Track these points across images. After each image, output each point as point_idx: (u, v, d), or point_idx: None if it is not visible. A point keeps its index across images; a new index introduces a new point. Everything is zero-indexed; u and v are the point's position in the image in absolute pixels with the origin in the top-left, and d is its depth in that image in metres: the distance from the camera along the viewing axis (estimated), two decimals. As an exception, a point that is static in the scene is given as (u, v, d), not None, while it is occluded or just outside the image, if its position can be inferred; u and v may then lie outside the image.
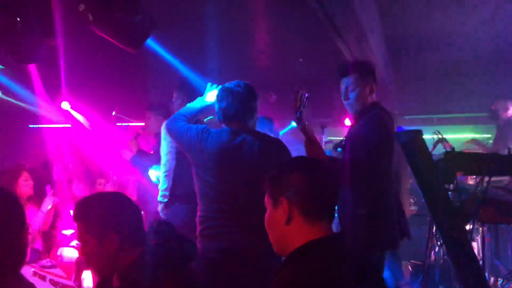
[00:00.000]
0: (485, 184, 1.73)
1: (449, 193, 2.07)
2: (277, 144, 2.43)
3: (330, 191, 1.37)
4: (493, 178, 2.07)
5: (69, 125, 6.82)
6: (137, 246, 1.59)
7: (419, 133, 2.25)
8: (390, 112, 2.70)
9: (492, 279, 3.51)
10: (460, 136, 6.24)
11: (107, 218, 1.59)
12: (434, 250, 3.42)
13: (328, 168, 1.54)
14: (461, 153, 1.83)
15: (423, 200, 3.91)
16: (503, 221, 1.83)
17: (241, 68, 5.79)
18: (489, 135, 5.80)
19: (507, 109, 4.54)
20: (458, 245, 2.00)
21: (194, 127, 2.46)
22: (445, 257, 3.39)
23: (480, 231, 3.27)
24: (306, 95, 2.33)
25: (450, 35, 5.08)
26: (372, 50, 4.25)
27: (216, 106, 2.44)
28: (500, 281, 3.53)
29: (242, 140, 2.33)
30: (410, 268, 4.02)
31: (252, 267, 2.21)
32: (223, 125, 2.43)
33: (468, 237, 2.02)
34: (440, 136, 3.87)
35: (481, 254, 3.24)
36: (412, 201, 4.96)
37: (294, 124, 2.51)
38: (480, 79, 5.92)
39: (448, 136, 4.35)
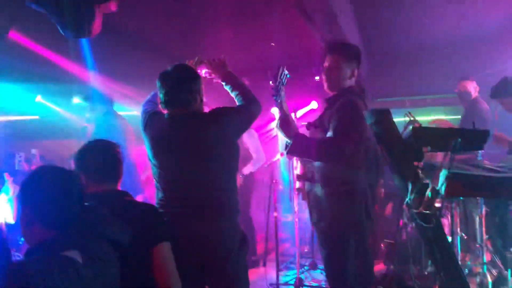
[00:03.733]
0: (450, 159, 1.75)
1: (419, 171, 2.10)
2: (216, 115, 2.29)
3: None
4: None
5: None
6: None
7: (387, 112, 2.25)
8: (365, 98, 2.73)
9: (461, 254, 3.61)
10: (431, 118, 6.34)
11: None
12: (406, 229, 3.49)
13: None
14: (428, 128, 1.84)
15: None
16: (469, 194, 1.86)
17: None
18: (460, 117, 5.93)
19: (474, 89, 4.61)
20: (428, 222, 2.02)
21: (144, 111, 2.40)
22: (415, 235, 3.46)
23: (449, 208, 3.35)
24: (286, 72, 2.35)
25: (419, 18, 5.16)
26: (344, 34, 4.26)
27: (159, 93, 2.32)
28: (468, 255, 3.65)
29: (181, 125, 2.22)
30: (383, 248, 4.09)
31: (206, 251, 2.16)
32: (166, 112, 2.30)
33: (437, 214, 2.05)
34: (411, 118, 3.90)
35: (451, 231, 3.32)
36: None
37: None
38: (449, 60, 6.04)
39: (420, 118, 4.40)
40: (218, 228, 2.15)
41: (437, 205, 2.07)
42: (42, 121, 6.73)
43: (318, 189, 2.61)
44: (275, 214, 3.92)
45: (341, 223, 2.55)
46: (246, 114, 2.34)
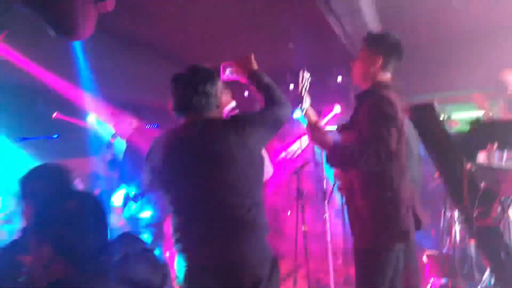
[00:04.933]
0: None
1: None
2: (236, 122, 1.98)
3: None
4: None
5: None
6: None
7: (430, 107, 1.91)
8: (397, 91, 2.41)
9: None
10: (466, 116, 5.90)
11: None
12: (453, 239, 3.10)
13: None
14: (493, 121, 1.49)
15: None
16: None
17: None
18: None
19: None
20: (489, 233, 1.67)
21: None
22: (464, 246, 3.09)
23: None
24: (308, 75, 2.04)
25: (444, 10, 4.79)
26: (366, 28, 3.94)
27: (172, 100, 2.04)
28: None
29: (194, 133, 1.93)
30: (425, 260, 3.69)
31: (231, 280, 1.85)
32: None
33: (499, 224, 1.69)
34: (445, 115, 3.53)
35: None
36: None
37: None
38: (480, 52, 5.61)
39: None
40: (243, 252, 1.84)
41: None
42: (62, 139, 6.56)
43: (358, 200, 2.27)
44: (304, 228, 3.58)
45: (387, 235, 2.19)
46: (271, 119, 2.02)
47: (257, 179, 1.95)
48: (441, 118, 1.77)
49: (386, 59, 2.31)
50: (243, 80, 2.18)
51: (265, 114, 2.00)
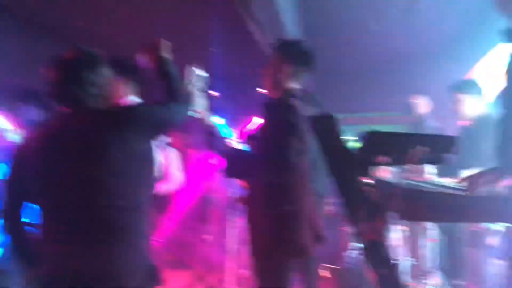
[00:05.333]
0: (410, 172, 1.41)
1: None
2: (116, 113, 1.77)
3: None
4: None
5: None
6: None
7: (331, 118, 1.88)
8: (309, 96, 2.38)
9: (412, 281, 3.32)
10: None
11: None
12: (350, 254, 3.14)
13: None
14: (385, 133, 1.47)
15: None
16: (433, 219, 1.50)
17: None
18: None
19: (423, 105, 4.44)
20: (377, 247, 1.66)
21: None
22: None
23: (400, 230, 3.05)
24: (202, 73, 1.86)
25: (366, 33, 5.00)
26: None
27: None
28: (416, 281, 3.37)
29: (66, 127, 1.72)
30: (323, 274, 3.71)
31: None
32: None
33: (387, 239, 1.68)
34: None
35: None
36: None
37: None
38: (396, 77, 5.93)
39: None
40: (107, 260, 1.63)
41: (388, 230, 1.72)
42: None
43: (257, 211, 2.18)
44: (205, 236, 3.44)
45: (282, 250, 2.12)
46: (163, 115, 1.84)
47: (138, 179, 1.77)
48: (339, 130, 1.73)
49: (295, 68, 2.27)
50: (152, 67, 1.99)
51: (156, 108, 1.83)
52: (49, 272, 1.62)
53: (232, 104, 5.42)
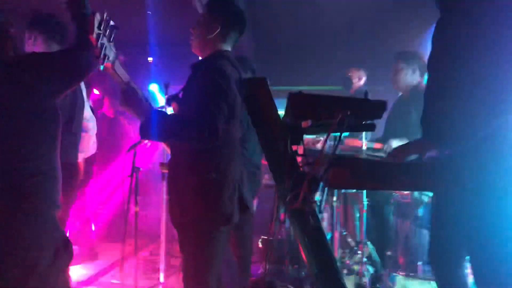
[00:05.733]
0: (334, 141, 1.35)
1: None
2: (10, 67, 1.57)
3: None
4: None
5: None
6: None
7: (262, 81, 1.77)
8: (241, 67, 2.26)
9: (340, 251, 3.37)
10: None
11: None
12: (283, 225, 3.13)
13: None
14: (309, 96, 1.38)
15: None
16: (359, 185, 1.46)
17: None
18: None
19: (360, 78, 4.47)
20: (304, 220, 1.60)
21: None
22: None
23: (330, 201, 3.06)
24: (108, 19, 1.65)
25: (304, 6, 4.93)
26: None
27: None
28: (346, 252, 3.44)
29: None
30: (260, 245, 3.70)
31: None
32: None
33: (315, 209, 1.63)
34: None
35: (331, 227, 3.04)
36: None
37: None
38: (335, 50, 5.93)
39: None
40: (13, 229, 1.47)
41: (317, 198, 1.67)
42: None
43: (182, 178, 2.06)
44: (136, 208, 3.28)
45: (209, 219, 2.02)
46: (66, 61, 1.63)
47: (46, 139, 1.59)
48: (270, 94, 1.63)
49: (225, 29, 2.14)
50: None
51: (59, 54, 1.63)
52: None
53: (170, 72, 5.20)
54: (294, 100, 1.37)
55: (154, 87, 5.66)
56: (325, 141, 1.34)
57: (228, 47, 2.19)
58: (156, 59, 5.91)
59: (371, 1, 4.83)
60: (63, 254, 1.61)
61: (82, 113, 3.05)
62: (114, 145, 5.10)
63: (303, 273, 3.13)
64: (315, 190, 1.41)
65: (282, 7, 5.03)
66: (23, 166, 1.50)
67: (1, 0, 1.61)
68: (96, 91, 4.99)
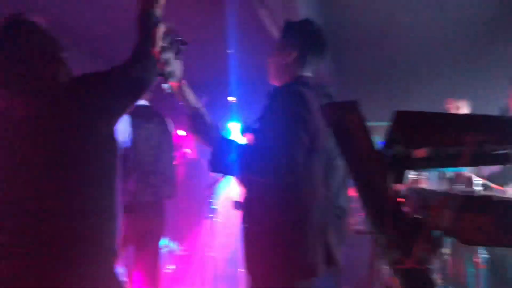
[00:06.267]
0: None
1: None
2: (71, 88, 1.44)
3: None
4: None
5: None
6: None
7: (354, 104, 1.43)
8: (322, 93, 1.96)
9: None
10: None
11: None
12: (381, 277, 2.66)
13: None
14: (430, 113, 0.98)
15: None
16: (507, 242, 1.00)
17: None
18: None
19: (457, 108, 4.00)
20: (417, 278, 1.21)
21: None
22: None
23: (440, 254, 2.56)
24: (176, 31, 1.47)
25: (395, 26, 4.53)
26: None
27: None
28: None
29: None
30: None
31: None
32: None
33: (430, 266, 1.23)
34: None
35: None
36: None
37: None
38: (432, 79, 5.40)
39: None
40: (70, 279, 1.26)
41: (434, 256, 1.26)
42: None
43: (253, 221, 1.76)
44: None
45: (287, 269, 1.68)
46: (123, 81, 1.44)
47: (104, 172, 1.38)
48: (365, 121, 1.28)
49: (302, 53, 1.89)
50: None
51: (114, 73, 1.43)
52: None
53: (250, 110, 5.03)
54: (404, 120, 1.00)
55: (233, 125, 5.57)
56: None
57: (308, 73, 1.92)
58: (237, 98, 5.83)
59: (470, 21, 4.31)
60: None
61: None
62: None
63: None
64: (438, 246, 1.02)
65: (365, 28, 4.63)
66: (81, 208, 1.29)
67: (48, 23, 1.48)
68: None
